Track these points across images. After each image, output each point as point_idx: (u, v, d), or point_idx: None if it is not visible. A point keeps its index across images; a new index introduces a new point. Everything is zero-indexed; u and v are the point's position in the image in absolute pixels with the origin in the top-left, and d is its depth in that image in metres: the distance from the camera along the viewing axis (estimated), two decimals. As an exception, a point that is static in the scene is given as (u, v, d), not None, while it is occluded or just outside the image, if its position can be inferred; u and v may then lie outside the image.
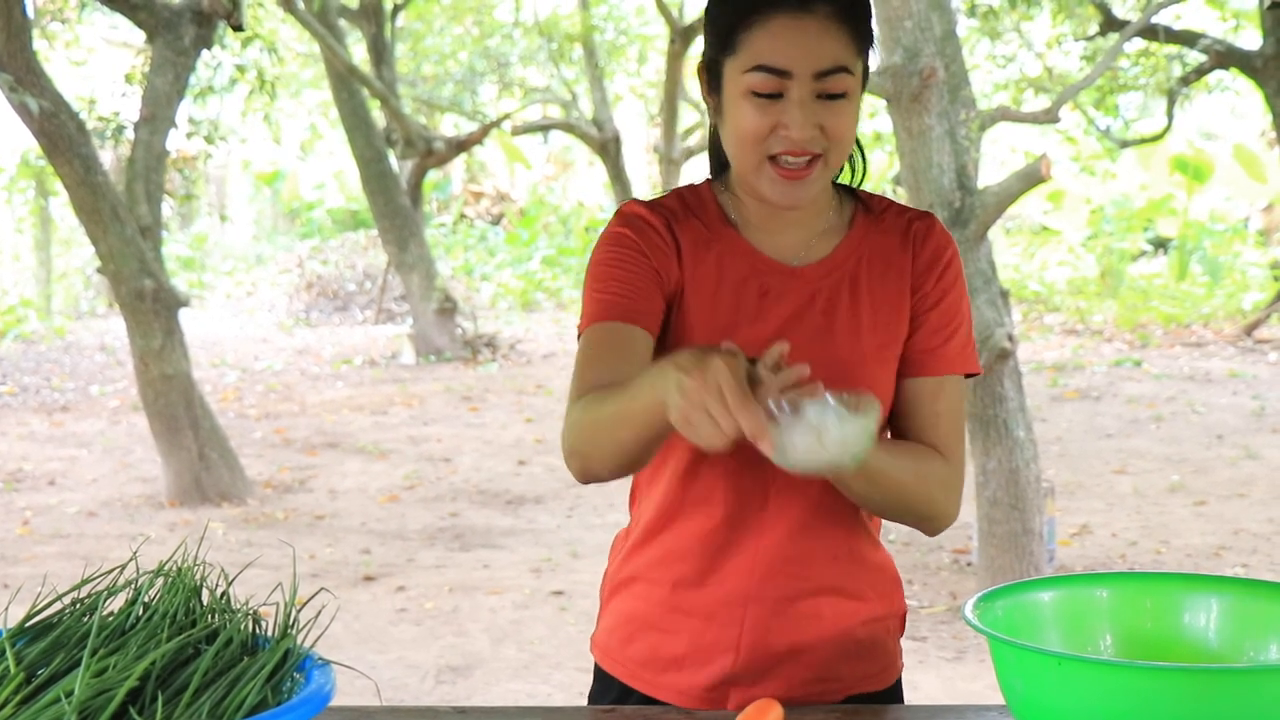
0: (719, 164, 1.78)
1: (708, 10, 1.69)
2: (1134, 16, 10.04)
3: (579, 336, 1.71)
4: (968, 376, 1.77)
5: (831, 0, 1.61)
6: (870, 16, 1.68)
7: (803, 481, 1.69)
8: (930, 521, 1.73)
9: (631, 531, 1.84)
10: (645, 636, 1.79)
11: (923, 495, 1.70)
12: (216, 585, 1.44)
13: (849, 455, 1.42)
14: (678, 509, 1.74)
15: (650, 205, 1.75)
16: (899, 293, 1.73)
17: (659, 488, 1.76)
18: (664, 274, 1.70)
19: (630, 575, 1.82)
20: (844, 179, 1.82)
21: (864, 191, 1.81)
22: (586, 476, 1.65)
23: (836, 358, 1.68)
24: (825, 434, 1.40)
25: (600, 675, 1.85)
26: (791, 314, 1.70)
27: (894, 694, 1.83)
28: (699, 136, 18.22)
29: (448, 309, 12.88)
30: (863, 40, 1.65)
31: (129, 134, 8.49)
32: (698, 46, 18.06)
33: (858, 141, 1.78)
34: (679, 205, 1.75)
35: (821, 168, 1.64)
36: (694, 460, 1.72)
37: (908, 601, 1.90)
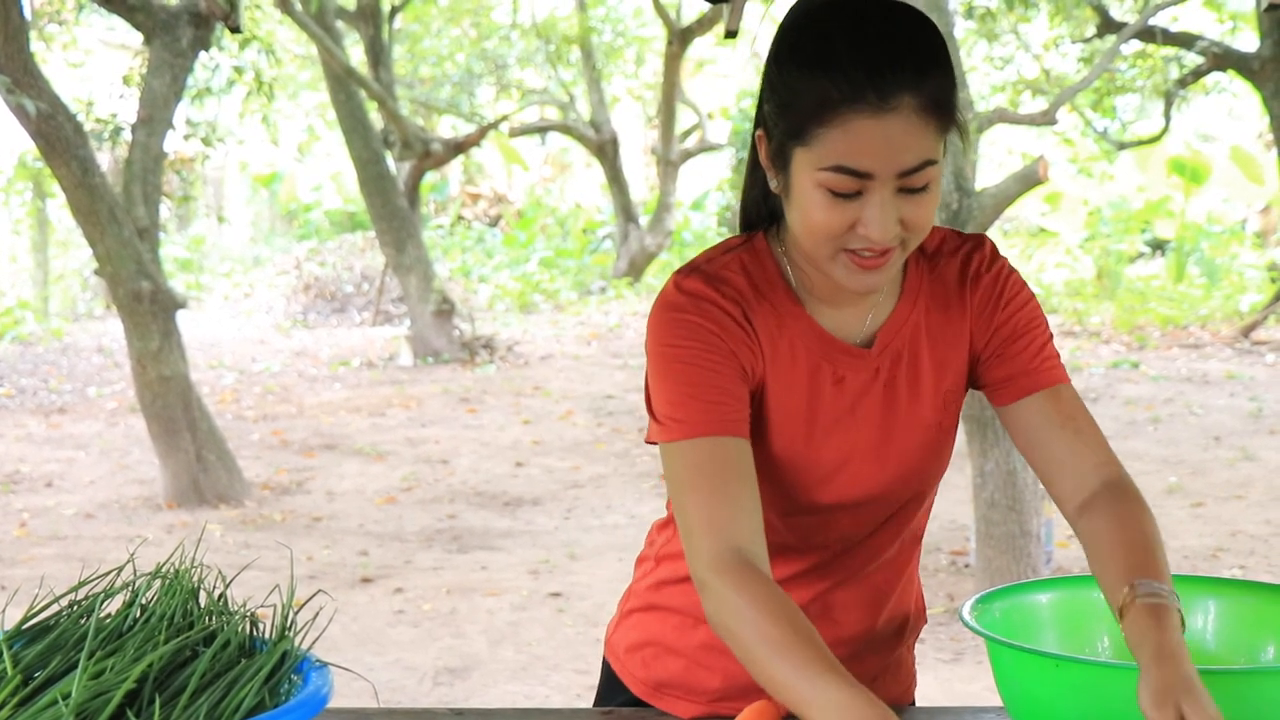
0: (757, 219, 1.66)
1: (772, 83, 1.51)
2: (1131, 18, 10.05)
3: (662, 436, 1.57)
4: None
5: (916, 92, 1.43)
6: (956, 95, 1.50)
7: (873, 544, 1.70)
8: None
9: (665, 557, 1.78)
10: (671, 662, 1.76)
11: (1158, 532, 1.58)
12: (214, 587, 1.44)
13: None
14: None
15: (718, 285, 1.58)
16: (959, 340, 1.66)
17: None
18: (750, 370, 1.59)
19: (661, 604, 1.78)
20: None
21: None
22: (715, 631, 1.56)
23: (900, 426, 1.65)
24: None
25: (611, 677, 1.84)
26: (860, 392, 1.64)
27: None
28: (696, 138, 18.25)
29: (445, 311, 12.88)
30: (951, 120, 1.50)
31: (126, 136, 8.49)
32: (695, 48, 18.12)
33: None
34: (747, 285, 1.60)
35: (899, 253, 1.52)
36: (780, 520, 1.69)
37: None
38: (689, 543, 1.55)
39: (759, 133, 1.56)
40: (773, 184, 1.54)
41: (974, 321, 1.66)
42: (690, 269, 1.61)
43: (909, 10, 1.50)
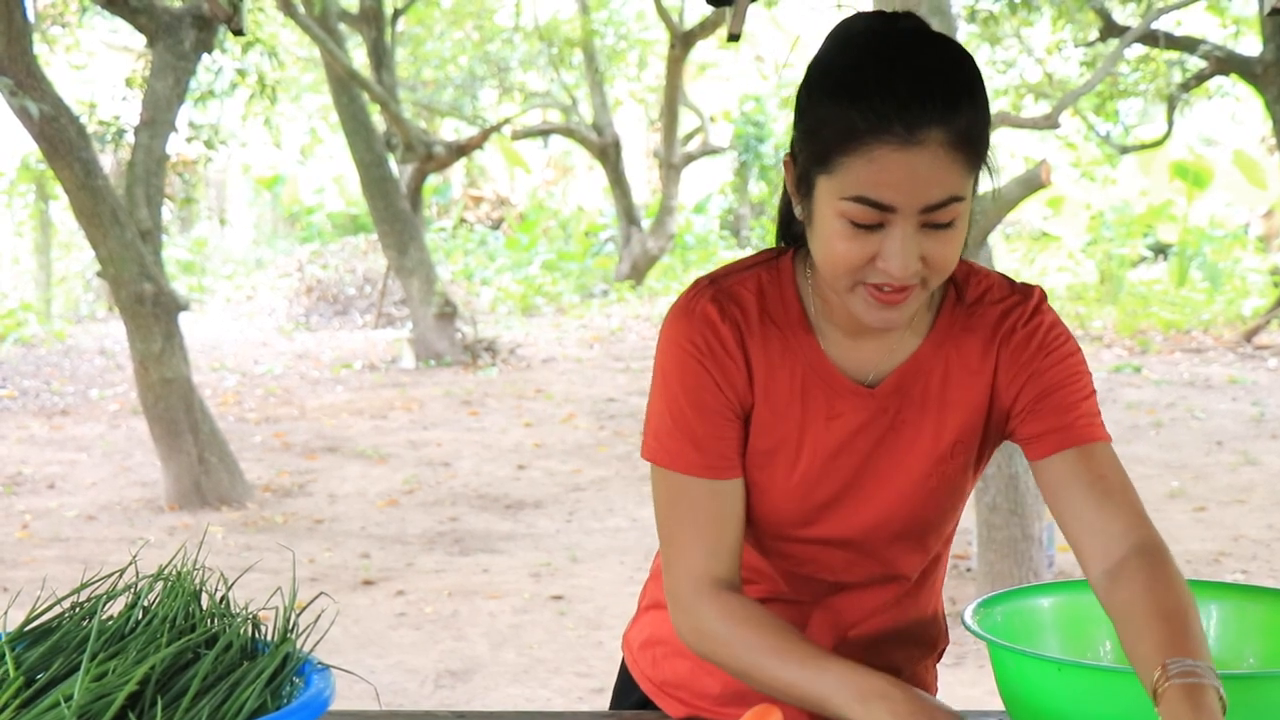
0: (789, 234, 1.64)
1: (801, 109, 1.49)
2: (1134, 22, 10.04)
3: (651, 457, 1.60)
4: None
5: (945, 127, 1.40)
6: (987, 132, 1.47)
7: (879, 585, 1.69)
8: None
9: None
10: (678, 664, 1.76)
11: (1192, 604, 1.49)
12: (216, 589, 1.44)
13: None
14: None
15: (724, 305, 1.58)
16: (978, 393, 1.61)
17: None
18: (739, 402, 1.59)
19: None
20: None
21: (963, 267, 1.62)
22: (699, 657, 1.62)
23: (899, 469, 1.62)
24: None
25: (625, 675, 1.85)
26: (856, 431, 1.61)
27: None
28: (698, 141, 18.25)
29: (447, 313, 12.88)
30: (980, 155, 1.46)
31: (129, 138, 8.50)
32: (698, 51, 18.14)
33: None
34: (757, 306, 1.59)
35: (920, 291, 1.47)
36: (762, 550, 1.69)
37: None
38: (668, 573, 1.60)
39: (787, 157, 1.54)
40: (797, 210, 1.52)
41: (1003, 375, 1.60)
42: (709, 281, 1.61)
43: (947, 43, 1.46)
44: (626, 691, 1.84)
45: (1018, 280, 1.65)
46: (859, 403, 1.59)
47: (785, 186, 1.59)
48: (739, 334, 1.58)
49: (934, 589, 1.79)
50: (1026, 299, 1.61)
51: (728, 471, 1.58)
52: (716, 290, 1.59)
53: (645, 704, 1.80)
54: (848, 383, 1.59)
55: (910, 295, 1.47)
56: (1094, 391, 1.60)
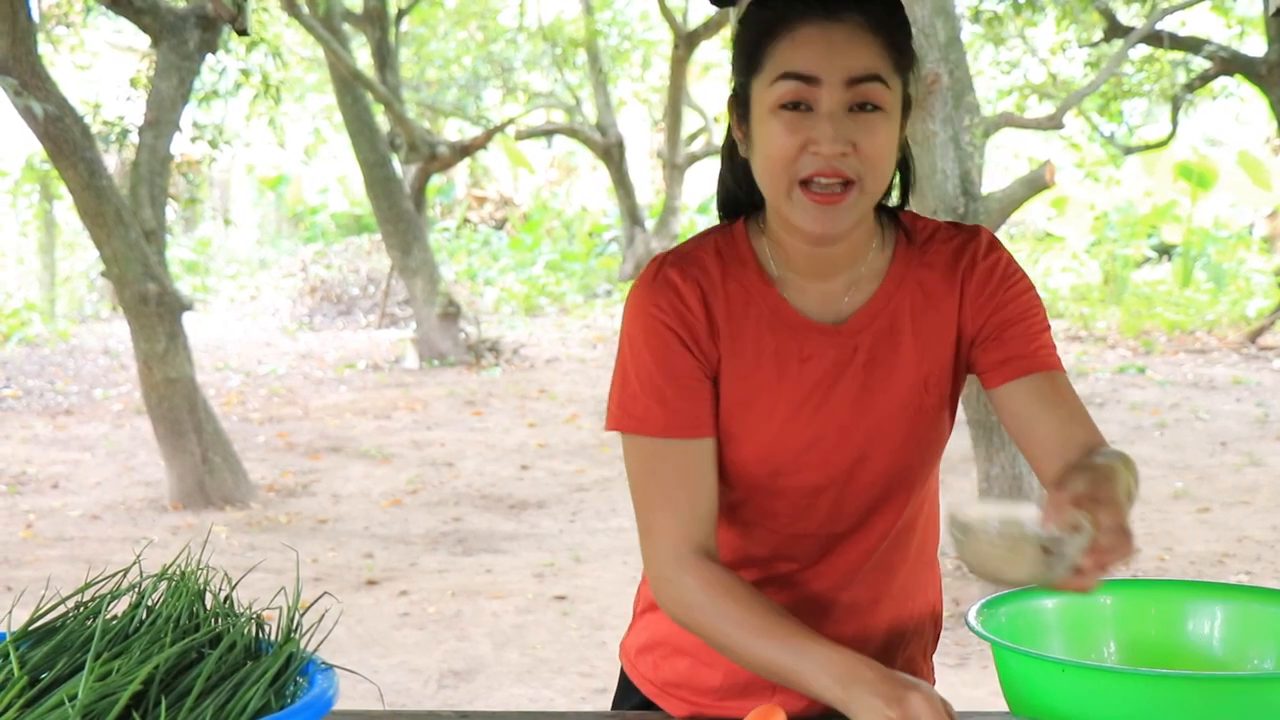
0: (734, 205, 1.70)
1: (734, 39, 1.62)
2: (1139, 23, 10.04)
3: (620, 426, 1.63)
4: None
5: (863, 12, 1.52)
6: (909, 35, 1.57)
7: (863, 536, 1.69)
8: None
9: None
10: (679, 662, 1.77)
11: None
12: (220, 589, 1.44)
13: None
14: (725, 553, 1.68)
15: (685, 271, 1.63)
16: (944, 326, 1.65)
17: None
18: (706, 360, 1.62)
19: None
20: (891, 197, 1.73)
21: (907, 215, 1.71)
22: (677, 623, 1.64)
23: (876, 406, 1.64)
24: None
25: (624, 682, 1.85)
26: (830, 371, 1.63)
27: None
28: (702, 142, 18.25)
29: (451, 313, 12.89)
30: (901, 56, 1.55)
31: (133, 138, 8.51)
32: (702, 51, 18.15)
33: (905, 152, 1.67)
34: (717, 265, 1.64)
35: (857, 194, 1.53)
36: (747, 517, 1.70)
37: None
38: (644, 542, 1.62)
39: (729, 102, 1.63)
40: (741, 149, 1.60)
41: (968, 307, 1.65)
42: (670, 253, 1.67)
43: None
44: (626, 697, 1.84)
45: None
46: (827, 340, 1.63)
47: (724, 157, 1.68)
48: (701, 292, 1.62)
49: (923, 572, 1.77)
50: (977, 235, 1.68)
51: (697, 430, 1.61)
52: (677, 257, 1.65)
53: (646, 706, 1.80)
54: (814, 324, 1.63)
55: (847, 198, 1.52)
56: (1049, 327, 1.66)
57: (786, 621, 1.53)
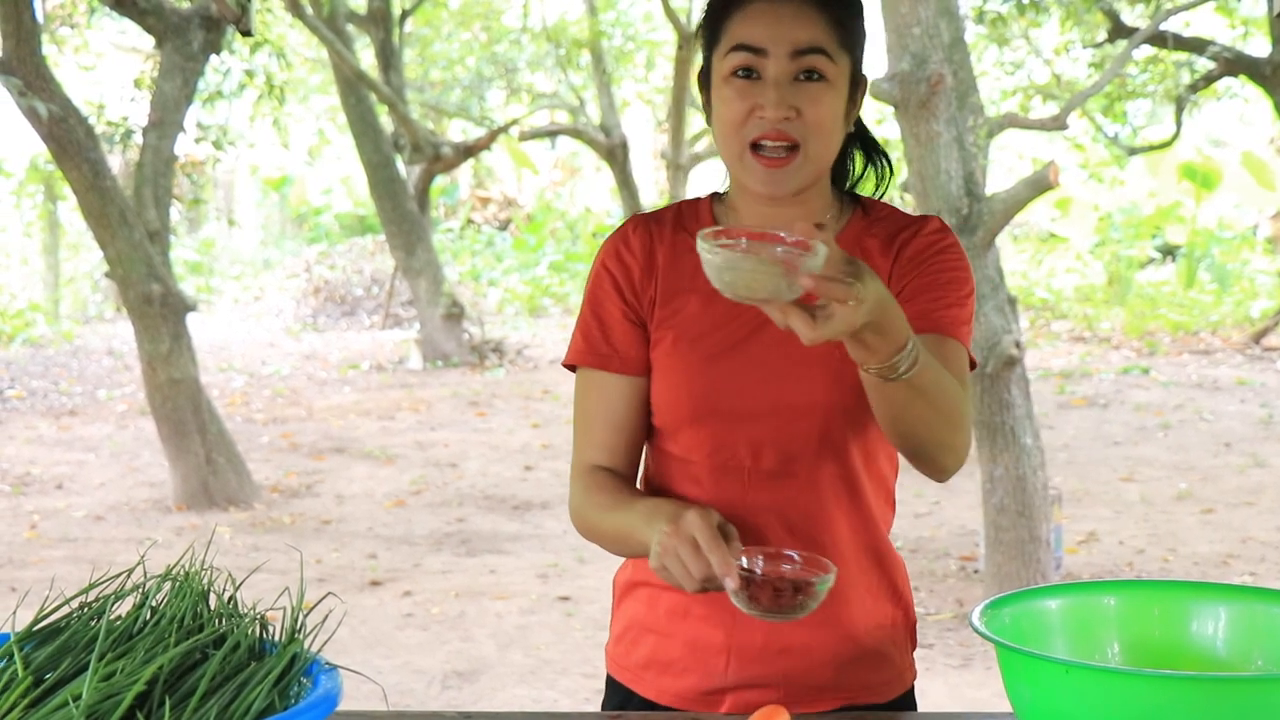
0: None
1: (703, 22, 1.74)
2: (1143, 23, 10.03)
3: (566, 358, 1.80)
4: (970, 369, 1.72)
5: None
6: (859, 14, 1.70)
7: (812, 483, 1.70)
8: (952, 452, 1.63)
9: None
10: (646, 640, 1.79)
11: (956, 409, 1.59)
12: (224, 589, 1.45)
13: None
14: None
15: (641, 223, 1.79)
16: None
17: (658, 493, 1.78)
18: (637, 302, 1.75)
19: (637, 580, 1.83)
20: (868, 190, 1.81)
21: (869, 199, 1.80)
22: (583, 537, 1.81)
23: (808, 355, 1.63)
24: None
25: (610, 682, 1.86)
26: (759, 313, 1.64)
27: (901, 706, 1.80)
28: (706, 143, 18.24)
29: (455, 314, 12.89)
30: (847, 34, 1.67)
31: (137, 139, 8.52)
32: (705, 53, 18.15)
33: (881, 147, 1.78)
34: (673, 221, 1.78)
35: (801, 159, 1.65)
36: (682, 455, 1.75)
37: (914, 608, 1.88)
38: (572, 459, 1.79)
39: (698, 77, 1.76)
40: (706, 119, 1.73)
41: (898, 269, 1.72)
42: (638, 215, 1.82)
43: None
44: (611, 697, 1.85)
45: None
46: None
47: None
48: (648, 239, 1.77)
49: (876, 528, 1.76)
50: (927, 219, 1.77)
51: (616, 365, 1.74)
52: (642, 215, 1.82)
53: (628, 697, 1.80)
54: None
55: (792, 162, 1.65)
56: (971, 317, 1.73)
57: (629, 493, 1.71)
